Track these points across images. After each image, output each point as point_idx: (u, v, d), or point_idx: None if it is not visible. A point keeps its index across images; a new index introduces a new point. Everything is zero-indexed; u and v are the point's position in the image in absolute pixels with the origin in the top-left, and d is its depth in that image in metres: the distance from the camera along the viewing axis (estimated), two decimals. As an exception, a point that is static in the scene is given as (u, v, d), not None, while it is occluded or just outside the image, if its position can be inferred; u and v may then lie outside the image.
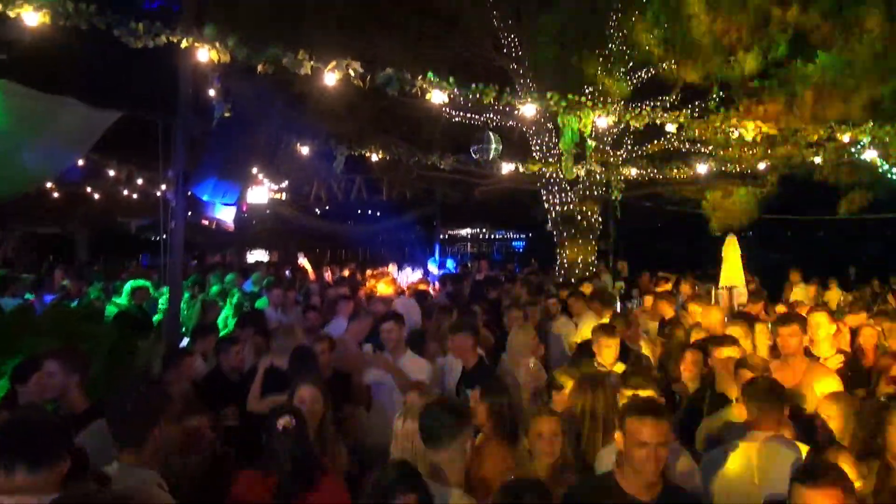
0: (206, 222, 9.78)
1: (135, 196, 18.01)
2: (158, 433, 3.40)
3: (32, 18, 5.68)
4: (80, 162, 12.91)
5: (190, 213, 10.50)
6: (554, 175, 15.82)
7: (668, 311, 9.08)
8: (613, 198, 16.21)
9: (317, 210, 31.93)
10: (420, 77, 6.95)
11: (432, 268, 17.11)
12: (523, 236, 55.33)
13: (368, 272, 14.55)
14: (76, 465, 2.98)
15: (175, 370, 5.83)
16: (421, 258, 20.55)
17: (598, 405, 4.44)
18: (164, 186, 9.14)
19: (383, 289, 9.84)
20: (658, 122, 9.71)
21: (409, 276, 14.50)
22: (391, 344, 6.57)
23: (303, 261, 12.31)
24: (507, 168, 14.69)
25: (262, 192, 21.07)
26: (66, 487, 2.69)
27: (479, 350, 6.53)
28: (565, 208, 16.09)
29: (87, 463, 3.14)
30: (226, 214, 9.49)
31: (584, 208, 16.16)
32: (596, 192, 16.12)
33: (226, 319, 9.82)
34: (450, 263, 18.73)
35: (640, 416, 3.38)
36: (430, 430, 3.52)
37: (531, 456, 4.06)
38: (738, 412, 4.70)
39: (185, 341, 7.91)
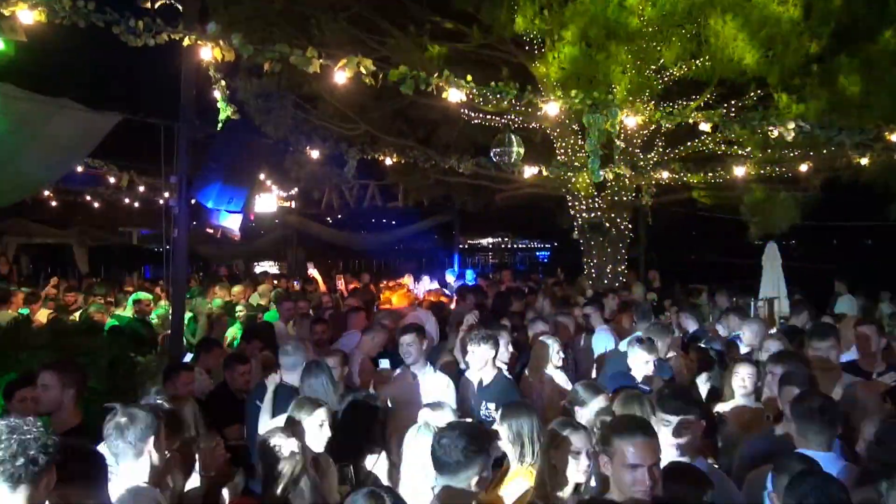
0: (210, 231, 9.79)
1: (136, 204, 18.16)
2: (155, 448, 3.51)
3: (27, 17, 5.72)
4: (79, 168, 13.04)
5: (195, 223, 10.54)
6: (580, 180, 15.74)
7: (690, 324, 9.08)
8: (644, 203, 16.11)
9: (328, 219, 32.03)
10: (436, 75, 6.95)
11: (450, 279, 17.07)
12: (548, 246, 55.18)
13: (383, 284, 14.55)
14: (96, 470, 3.10)
15: (173, 385, 5.88)
16: (439, 269, 20.53)
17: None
18: (166, 193, 9.20)
19: (397, 301, 9.82)
20: (691, 121, 9.66)
21: (426, 288, 14.49)
22: (411, 358, 6.55)
23: (312, 271, 12.29)
24: (529, 172, 14.65)
25: (270, 199, 21.17)
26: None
27: (499, 363, 6.52)
28: (592, 215, 16.03)
29: (105, 467, 3.22)
30: (231, 222, 9.49)
31: (613, 215, 16.09)
32: (625, 198, 16.05)
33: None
34: (469, 275, 18.66)
35: (628, 436, 3.33)
36: (439, 455, 3.51)
37: (556, 474, 3.99)
38: (784, 430, 4.64)
39: (188, 356, 7.94)
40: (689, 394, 4.42)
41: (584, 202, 16.11)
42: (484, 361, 6.27)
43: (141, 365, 7.07)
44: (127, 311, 10.45)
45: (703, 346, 8.08)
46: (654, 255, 21.66)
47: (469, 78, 7.18)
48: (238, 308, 11.16)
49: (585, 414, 4.86)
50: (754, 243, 15.70)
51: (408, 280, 14.36)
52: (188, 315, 10.28)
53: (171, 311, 8.58)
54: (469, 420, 4.62)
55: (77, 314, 10.89)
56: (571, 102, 7.57)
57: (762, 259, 14.42)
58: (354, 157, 11.43)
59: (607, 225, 16.02)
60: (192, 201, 9.00)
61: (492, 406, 5.94)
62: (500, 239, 54.97)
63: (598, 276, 15.99)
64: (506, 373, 6.56)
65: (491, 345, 6.29)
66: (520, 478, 4.24)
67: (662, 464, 3.47)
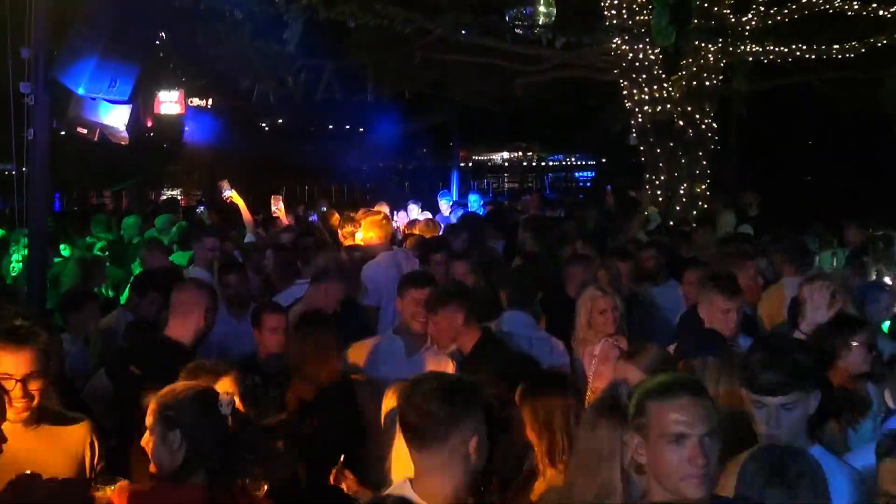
0: (83, 132, 9.65)
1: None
2: None
3: None
4: None
5: (60, 120, 10.40)
6: (641, 55, 15.61)
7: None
8: (736, 86, 15.99)
9: (262, 124, 31.79)
10: None
11: (444, 207, 17.02)
12: (592, 163, 55.10)
13: (347, 214, 14.47)
14: None
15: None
16: (430, 194, 20.45)
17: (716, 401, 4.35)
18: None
19: (365, 234, 9.77)
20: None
21: (412, 219, 14.43)
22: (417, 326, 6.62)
23: (228, 192, 12.12)
24: (563, 45, 14.52)
25: (174, 97, 20.98)
26: None
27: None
28: (659, 109, 15.92)
29: None
30: (115, 118, 9.33)
31: (690, 109, 16.01)
32: (708, 83, 15.94)
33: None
34: (473, 201, 18.57)
35: (669, 398, 3.39)
36: (413, 425, 3.59)
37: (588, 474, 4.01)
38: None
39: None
40: (792, 358, 4.34)
41: (646, 90, 16.00)
42: (452, 331, 6.29)
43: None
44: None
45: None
46: (752, 170, 21.65)
47: None
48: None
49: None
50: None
51: (383, 208, 14.30)
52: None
53: (28, 253, 8.53)
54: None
55: None
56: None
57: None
58: (299, 19, 11.26)
59: (681, 124, 15.93)
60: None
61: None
62: (519, 153, 54.85)
63: (667, 200, 15.95)
64: (498, 330, 6.69)
65: (458, 304, 6.29)
66: (552, 486, 4.32)
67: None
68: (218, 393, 4.12)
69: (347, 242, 10.75)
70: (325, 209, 15.90)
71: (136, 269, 10.89)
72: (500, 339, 6.59)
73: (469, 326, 6.30)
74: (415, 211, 15.56)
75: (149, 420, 4.03)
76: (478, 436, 3.56)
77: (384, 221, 10.18)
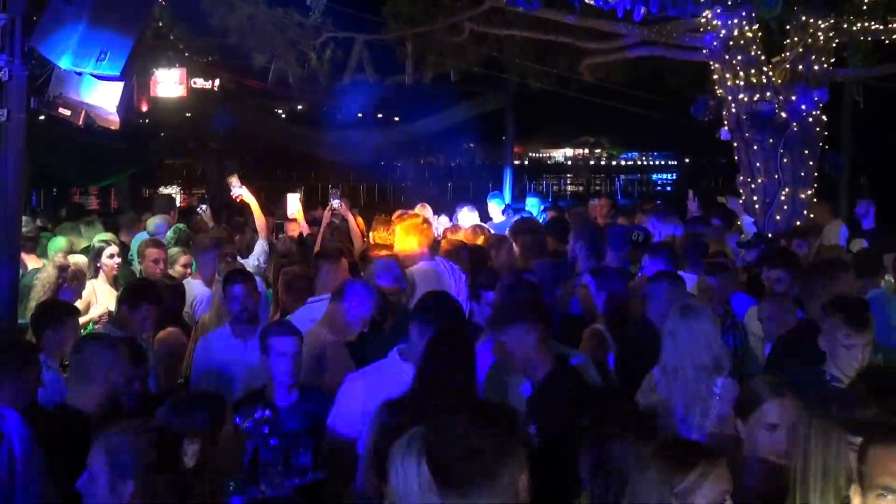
0: (65, 113, 9.67)
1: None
2: None
3: None
4: None
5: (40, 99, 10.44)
6: (736, 31, 15.50)
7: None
8: (851, 68, 15.81)
9: (279, 110, 31.94)
10: None
11: (495, 211, 16.97)
12: (673, 163, 55.04)
13: (380, 217, 14.48)
14: None
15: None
16: (479, 196, 20.46)
17: (829, 449, 4.27)
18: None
19: (402, 240, 9.78)
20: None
21: (460, 223, 14.36)
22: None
23: (238, 190, 12.13)
24: (643, 18, 14.45)
25: (175, 77, 21.08)
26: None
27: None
28: (757, 97, 15.80)
29: None
30: (104, 97, 9.34)
31: (794, 98, 15.87)
32: (817, 67, 15.80)
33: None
34: (532, 204, 18.48)
35: (776, 396, 3.75)
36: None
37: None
38: None
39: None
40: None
41: (742, 74, 15.88)
42: (523, 353, 6.32)
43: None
44: None
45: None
46: (869, 172, 21.41)
47: None
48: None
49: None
50: None
51: (422, 211, 14.27)
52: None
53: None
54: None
55: None
56: None
57: None
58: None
59: (783, 116, 15.80)
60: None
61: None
62: (585, 150, 54.92)
63: (765, 207, 15.83)
64: (577, 362, 6.67)
65: (529, 322, 6.31)
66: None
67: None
68: (181, 436, 4.07)
69: (379, 251, 10.75)
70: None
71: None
72: (578, 370, 6.59)
73: (542, 352, 6.34)
74: (467, 217, 15.21)
75: (93, 461, 3.95)
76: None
77: (424, 226, 10.15)
